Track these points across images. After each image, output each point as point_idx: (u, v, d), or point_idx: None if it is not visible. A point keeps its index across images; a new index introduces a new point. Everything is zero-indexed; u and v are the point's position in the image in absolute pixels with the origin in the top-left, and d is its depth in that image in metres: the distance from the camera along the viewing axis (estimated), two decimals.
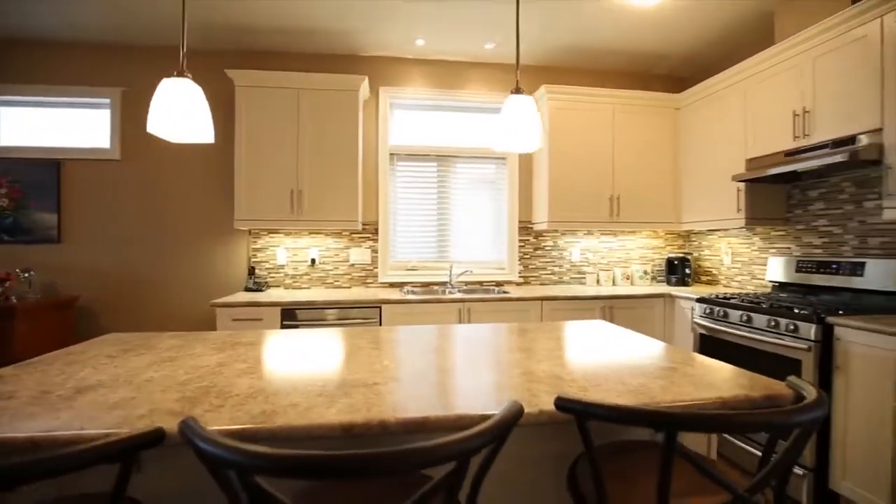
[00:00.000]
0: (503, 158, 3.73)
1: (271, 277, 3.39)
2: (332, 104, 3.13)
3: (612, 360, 1.32)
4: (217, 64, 3.32)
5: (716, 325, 2.65)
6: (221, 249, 3.37)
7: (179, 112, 1.21)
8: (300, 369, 1.22)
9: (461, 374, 1.17)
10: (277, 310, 2.78)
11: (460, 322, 2.96)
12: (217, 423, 0.86)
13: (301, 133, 3.09)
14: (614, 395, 1.02)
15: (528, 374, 1.17)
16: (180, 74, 1.23)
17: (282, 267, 3.40)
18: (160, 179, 3.31)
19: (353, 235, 3.48)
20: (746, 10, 2.88)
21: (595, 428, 0.88)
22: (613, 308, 3.15)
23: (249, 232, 3.38)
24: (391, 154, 3.55)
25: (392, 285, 3.52)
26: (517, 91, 1.38)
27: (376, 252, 3.51)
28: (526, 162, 3.71)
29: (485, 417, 0.82)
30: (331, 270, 3.46)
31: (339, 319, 2.84)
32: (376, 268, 3.51)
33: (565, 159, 3.40)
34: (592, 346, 1.50)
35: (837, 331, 2.04)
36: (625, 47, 3.40)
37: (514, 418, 0.72)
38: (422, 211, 3.63)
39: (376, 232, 3.51)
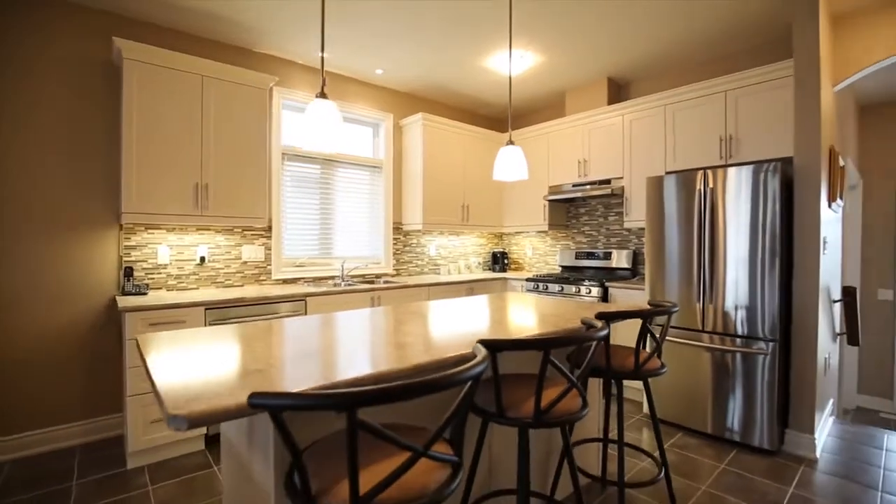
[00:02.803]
0: (378, 167, 4.30)
1: (150, 278, 3.01)
2: (240, 98, 3.07)
3: (519, 313, 2.27)
4: (95, 23, 2.75)
5: (538, 294, 4.02)
6: (77, 248, 2.78)
7: (325, 128, 1.47)
8: (366, 337, 1.69)
9: (450, 329, 1.89)
10: (201, 310, 2.65)
11: (372, 307, 3.43)
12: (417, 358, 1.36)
13: (206, 124, 2.93)
14: (529, 330, 1.96)
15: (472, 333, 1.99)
16: (321, 96, 1.48)
17: (164, 266, 3.06)
18: None
19: (246, 233, 3.42)
20: (551, 89, 4.39)
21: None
22: (474, 289, 4.20)
23: (121, 227, 2.92)
24: (283, 154, 3.64)
25: (286, 282, 3.63)
26: (510, 143, 2.18)
27: (270, 249, 3.55)
28: (396, 172, 4.38)
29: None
30: (221, 269, 3.31)
31: (271, 314, 2.91)
32: (269, 265, 3.55)
33: (435, 174, 4.26)
34: (500, 307, 2.42)
35: (610, 289, 3.60)
36: (472, 93, 4.51)
37: (478, 366, 1.55)
38: (307, 210, 3.84)
39: (269, 229, 3.54)
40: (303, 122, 1.48)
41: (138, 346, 1.41)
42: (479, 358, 0.99)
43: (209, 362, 1.21)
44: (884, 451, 2.71)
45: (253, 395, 0.81)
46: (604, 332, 1.36)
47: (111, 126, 2.88)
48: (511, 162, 2.19)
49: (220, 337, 1.53)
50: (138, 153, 2.69)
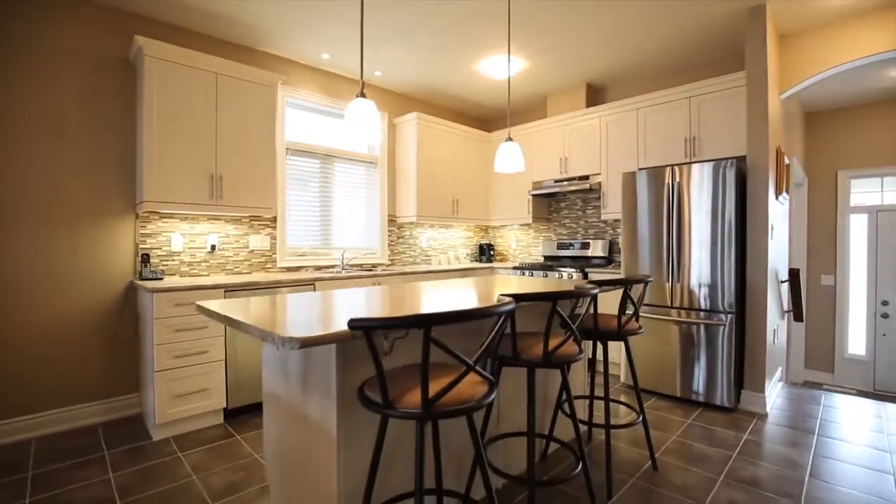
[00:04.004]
0: (374, 163, 4.55)
1: (165, 265, 3.17)
2: (250, 95, 3.27)
3: (515, 283, 2.59)
4: (110, 20, 2.89)
5: None
6: (96, 236, 2.92)
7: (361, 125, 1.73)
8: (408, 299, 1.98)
9: (467, 294, 2.20)
10: (221, 291, 2.85)
11: None
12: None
13: (219, 119, 3.12)
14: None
15: (490, 293, 2.31)
16: (360, 95, 1.74)
17: (177, 254, 3.23)
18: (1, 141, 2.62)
19: (253, 222, 3.61)
20: (534, 92, 4.74)
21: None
22: (466, 276, 4.50)
23: (137, 216, 3.07)
24: (286, 148, 3.84)
25: (290, 269, 3.83)
26: (509, 139, 2.49)
27: (275, 239, 3.75)
28: (391, 168, 4.64)
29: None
30: (231, 257, 3.50)
31: None
32: (275, 254, 3.75)
33: (427, 169, 4.54)
34: (503, 283, 2.74)
35: (589, 275, 3.97)
36: (463, 95, 4.81)
37: (510, 304, 1.88)
38: (308, 203, 4.05)
39: (274, 220, 3.74)
40: (345, 117, 1.74)
41: (201, 307, 1.64)
42: (508, 300, 1.29)
43: (285, 314, 1.46)
44: (821, 406, 3.17)
45: (352, 320, 1.08)
46: (595, 291, 1.69)
47: (127, 120, 3.03)
48: (510, 156, 2.50)
49: (276, 302, 1.78)
50: (158, 146, 2.86)
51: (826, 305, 5.30)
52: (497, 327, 1.27)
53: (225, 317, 1.45)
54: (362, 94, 1.77)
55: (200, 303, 1.72)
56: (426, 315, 1.07)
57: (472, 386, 1.26)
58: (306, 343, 1.10)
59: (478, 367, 1.20)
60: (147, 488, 2.13)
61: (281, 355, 1.77)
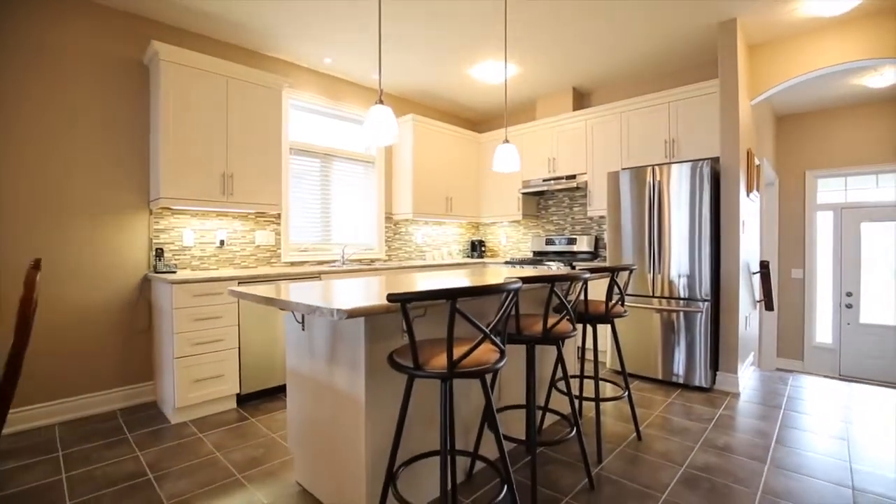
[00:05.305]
0: (371, 163, 4.73)
1: (177, 259, 3.31)
2: (258, 97, 3.43)
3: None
4: (130, 25, 3.03)
5: None
6: (113, 231, 3.05)
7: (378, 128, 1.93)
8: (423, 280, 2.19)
9: (472, 281, 2.42)
10: (235, 283, 3.01)
11: None
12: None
13: (230, 120, 3.28)
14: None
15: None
16: (379, 102, 1.94)
17: (188, 248, 3.37)
18: (22, 140, 2.74)
19: (259, 219, 3.77)
20: (524, 96, 4.99)
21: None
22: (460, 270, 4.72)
23: (150, 212, 3.21)
24: (290, 148, 4.01)
25: (293, 264, 4.00)
26: (506, 142, 2.72)
27: (279, 235, 3.91)
28: (388, 167, 4.83)
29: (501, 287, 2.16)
30: (238, 252, 3.65)
31: None
32: (279, 249, 3.91)
33: (422, 168, 4.74)
34: (499, 273, 2.98)
35: (577, 268, 4.23)
36: (455, 98, 5.03)
37: (517, 282, 2.12)
38: (310, 200, 4.22)
39: (278, 217, 3.91)
40: (366, 121, 1.94)
41: (238, 292, 1.83)
42: (516, 279, 1.52)
43: (318, 296, 1.65)
44: (788, 386, 3.48)
45: (390, 294, 1.29)
46: (587, 275, 1.93)
47: (140, 120, 3.17)
48: (508, 157, 2.73)
49: (301, 288, 1.97)
50: (174, 146, 3.01)
51: (796, 297, 5.67)
52: (508, 301, 1.49)
53: (266, 298, 1.64)
54: (380, 101, 1.97)
55: (235, 288, 1.90)
56: (453, 289, 1.28)
57: (486, 352, 1.48)
58: (353, 314, 1.30)
59: (492, 336, 1.42)
60: (174, 463, 2.29)
61: (307, 335, 1.96)
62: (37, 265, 1.17)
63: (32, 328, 1.06)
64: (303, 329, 1.99)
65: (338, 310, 1.29)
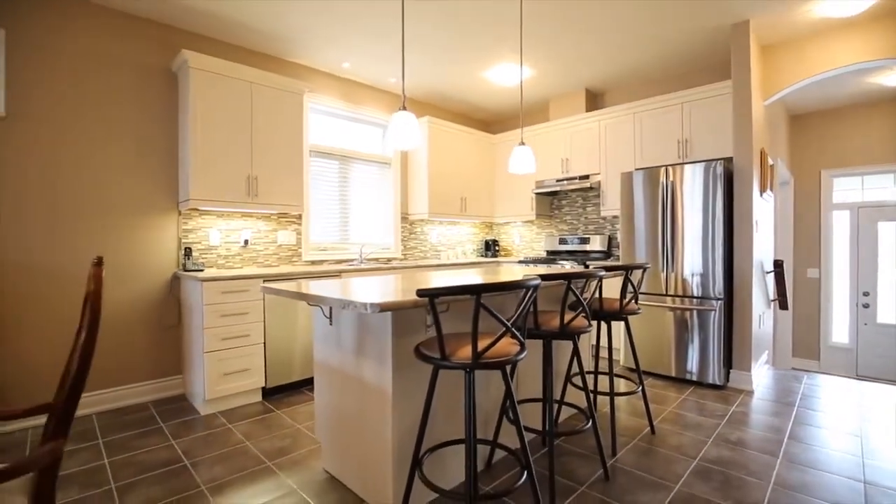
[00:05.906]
0: (388, 164, 4.84)
1: (203, 258, 3.46)
2: (280, 102, 3.56)
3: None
4: (160, 34, 3.18)
5: None
6: (144, 231, 3.20)
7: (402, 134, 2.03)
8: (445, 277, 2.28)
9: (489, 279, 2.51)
10: (260, 281, 3.14)
11: None
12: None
13: (254, 124, 3.41)
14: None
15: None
16: (402, 108, 2.04)
17: (214, 248, 3.51)
18: (61, 144, 2.89)
19: (281, 219, 3.90)
20: (538, 97, 5.06)
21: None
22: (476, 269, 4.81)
23: (179, 213, 3.35)
24: (310, 150, 4.14)
25: (313, 263, 4.12)
26: (521, 144, 2.80)
27: (300, 234, 4.04)
28: (403, 168, 4.94)
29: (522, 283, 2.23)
30: (261, 251, 3.78)
31: None
32: (300, 248, 4.04)
33: (438, 169, 4.84)
34: (516, 271, 3.06)
35: (590, 267, 4.29)
36: (470, 99, 5.12)
37: (536, 279, 2.19)
38: (329, 201, 4.34)
39: (299, 217, 4.03)
40: (390, 126, 2.04)
41: (271, 288, 1.94)
42: (535, 276, 1.60)
43: (346, 292, 1.76)
44: (802, 384, 3.51)
45: (419, 290, 1.38)
46: (602, 273, 2.00)
47: (168, 125, 3.31)
48: (524, 159, 2.81)
49: (328, 285, 2.07)
50: (203, 149, 3.15)
51: (811, 297, 5.65)
52: (528, 297, 1.58)
53: (301, 293, 1.75)
54: (404, 107, 2.07)
55: (268, 285, 2.01)
56: (478, 284, 1.37)
57: (507, 345, 1.57)
58: (385, 308, 1.40)
59: (514, 330, 1.51)
60: (208, 451, 2.42)
61: (334, 329, 2.07)
62: (99, 262, 1.28)
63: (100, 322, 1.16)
64: (330, 324, 2.09)
65: (371, 304, 1.39)
